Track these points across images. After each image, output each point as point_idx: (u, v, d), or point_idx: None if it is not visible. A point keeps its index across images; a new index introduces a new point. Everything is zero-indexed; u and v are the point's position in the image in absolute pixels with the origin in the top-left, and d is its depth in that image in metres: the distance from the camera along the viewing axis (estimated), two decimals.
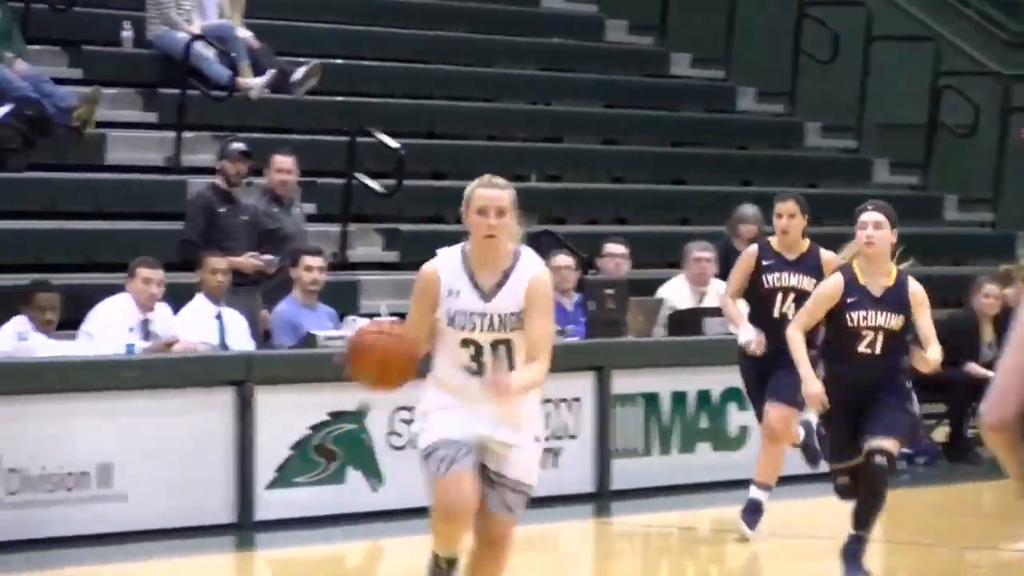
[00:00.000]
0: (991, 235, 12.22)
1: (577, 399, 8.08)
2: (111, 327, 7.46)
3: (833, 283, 6.26)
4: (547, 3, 14.38)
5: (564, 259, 9.06)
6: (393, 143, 9.61)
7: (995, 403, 2.36)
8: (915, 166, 13.79)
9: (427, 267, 4.41)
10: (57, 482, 6.76)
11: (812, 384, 6.17)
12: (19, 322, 7.31)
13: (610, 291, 8.53)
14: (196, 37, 9.64)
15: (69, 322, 7.63)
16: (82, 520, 6.77)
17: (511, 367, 4.30)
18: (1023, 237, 12.37)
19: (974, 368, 9.83)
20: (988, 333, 9.96)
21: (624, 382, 8.22)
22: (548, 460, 7.17)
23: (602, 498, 8.20)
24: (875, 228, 6.21)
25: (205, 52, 9.67)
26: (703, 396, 9.09)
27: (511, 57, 13.31)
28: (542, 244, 9.67)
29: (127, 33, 9.96)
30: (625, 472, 8.05)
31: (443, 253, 4.46)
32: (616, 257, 9.16)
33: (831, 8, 13.89)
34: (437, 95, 11.96)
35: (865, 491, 6.24)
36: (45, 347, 7.27)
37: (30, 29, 9.51)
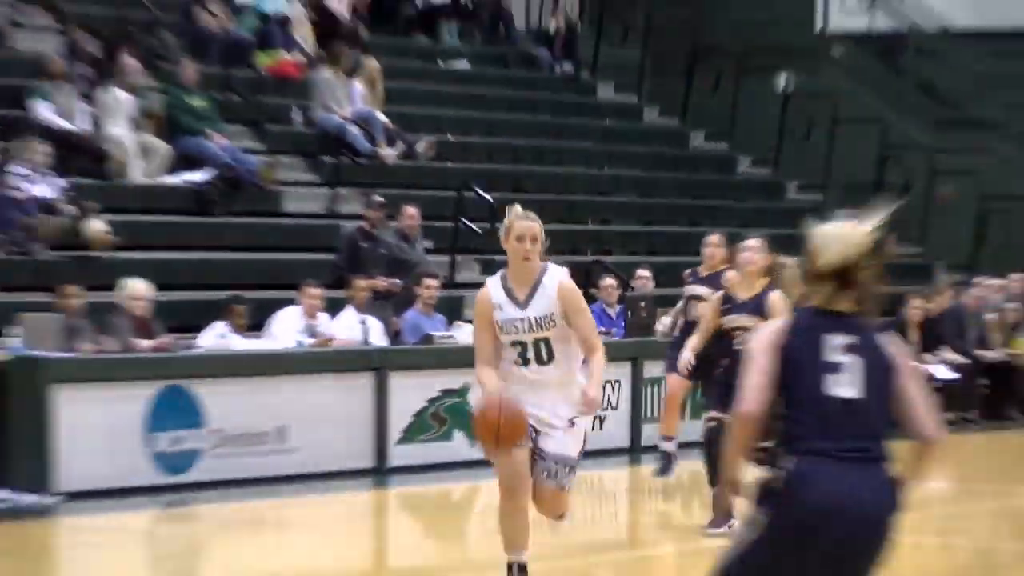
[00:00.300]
0: (919, 264, 11.61)
1: (618, 381, 7.79)
2: (286, 330, 7.34)
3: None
4: (601, 94, 13.28)
5: (610, 281, 8.70)
6: (488, 197, 9.22)
7: (749, 398, 2.13)
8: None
9: (480, 293, 3.99)
10: (248, 439, 6.64)
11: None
12: (220, 326, 7.25)
13: (642, 304, 8.16)
14: (347, 119, 9.32)
15: (256, 325, 7.47)
16: (265, 466, 6.64)
17: (551, 356, 3.81)
18: (941, 266, 11.81)
19: None
20: (914, 335, 9.50)
21: (652, 369, 7.79)
22: (596, 424, 6.68)
23: (635, 452, 7.96)
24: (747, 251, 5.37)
25: (353, 130, 9.32)
26: None
27: (574, 133, 12.28)
28: (593, 270, 9.32)
29: (297, 116, 9.67)
30: (651, 434, 7.62)
31: (489, 281, 4.02)
32: (645, 279, 8.65)
33: (808, 99, 12.65)
34: (521, 161, 11.35)
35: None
36: (238, 343, 7.18)
37: (227, 113, 9.32)
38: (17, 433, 6.58)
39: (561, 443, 3.83)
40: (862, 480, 1.96)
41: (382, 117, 9.75)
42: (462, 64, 12.08)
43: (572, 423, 3.84)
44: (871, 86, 13.41)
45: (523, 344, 3.79)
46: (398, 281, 8.07)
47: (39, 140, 7.79)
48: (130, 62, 8.73)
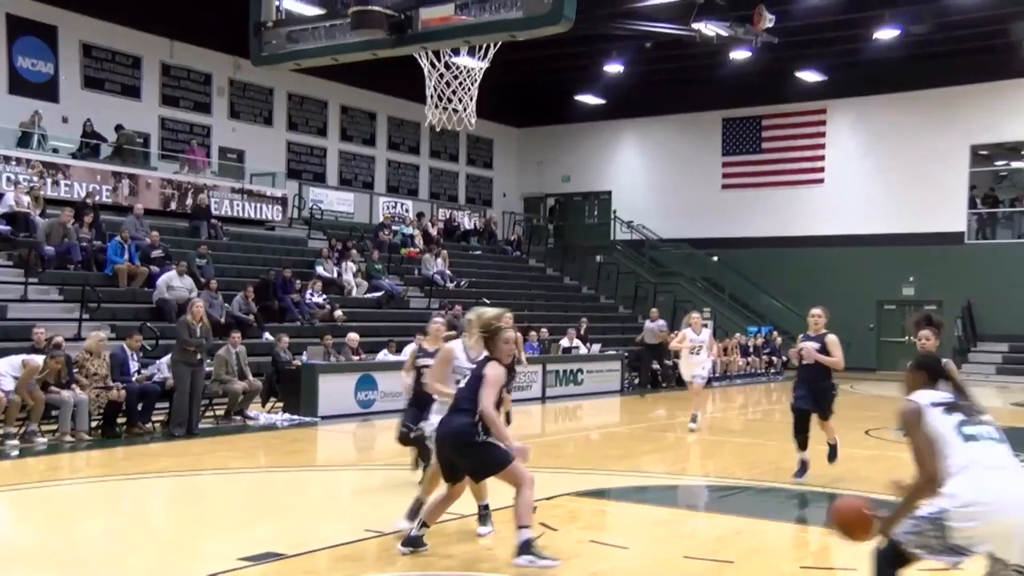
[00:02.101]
0: None
1: None
2: None
3: None
4: (531, 263, 28.70)
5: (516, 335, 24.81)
6: (487, 300, 24.51)
7: (487, 396, 5.19)
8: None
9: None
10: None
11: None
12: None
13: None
14: None
15: None
16: None
17: None
18: None
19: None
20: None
21: None
22: None
23: None
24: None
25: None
26: None
27: (517, 280, 28.33)
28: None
29: None
30: None
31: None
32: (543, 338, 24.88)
33: (607, 264, 29.27)
34: (490, 288, 27.08)
35: None
36: None
37: None
38: (306, 392, 13.86)
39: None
40: None
41: None
42: (478, 252, 27.82)
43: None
44: (633, 262, 29.82)
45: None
46: None
47: None
48: None
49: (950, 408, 4.14)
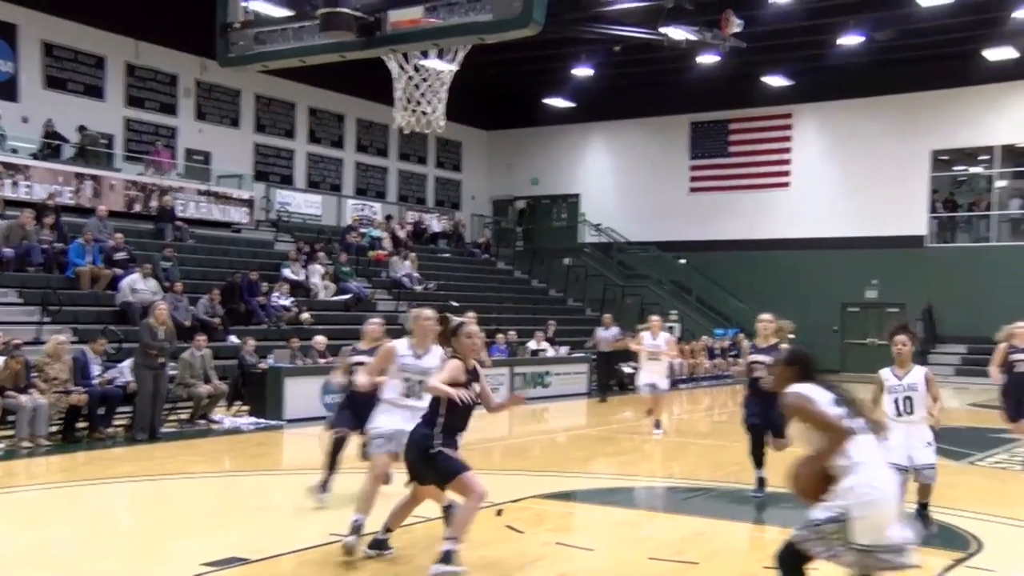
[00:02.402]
0: None
1: None
2: None
3: None
4: (499, 267, 29.31)
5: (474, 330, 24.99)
6: (455, 304, 24.86)
7: (436, 377, 5.39)
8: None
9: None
10: None
11: None
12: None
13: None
14: None
15: None
16: None
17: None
18: None
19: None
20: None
21: None
22: None
23: None
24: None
25: None
26: None
27: (488, 282, 28.29)
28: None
29: None
30: None
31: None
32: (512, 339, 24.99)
33: (576, 268, 29.20)
34: (461, 291, 27.28)
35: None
36: None
37: None
38: (272, 395, 13.78)
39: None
40: None
41: None
42: (447, 255, 27.73)
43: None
44: (601, 264, 29.81)
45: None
46: None
47: None
48: None
49: (838, 402, 4.24)
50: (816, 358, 4.53)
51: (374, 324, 8.04)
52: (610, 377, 19.66)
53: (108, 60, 22.17)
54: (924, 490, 7.17)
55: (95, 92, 22.02)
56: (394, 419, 6.13)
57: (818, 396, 4.27)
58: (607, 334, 19.43)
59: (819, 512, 4.11)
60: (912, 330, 7.20)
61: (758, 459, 8.60)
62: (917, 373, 6.94)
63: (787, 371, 4.49)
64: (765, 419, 8.29)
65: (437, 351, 6.18)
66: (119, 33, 22.08)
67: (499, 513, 7.46)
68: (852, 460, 4.10)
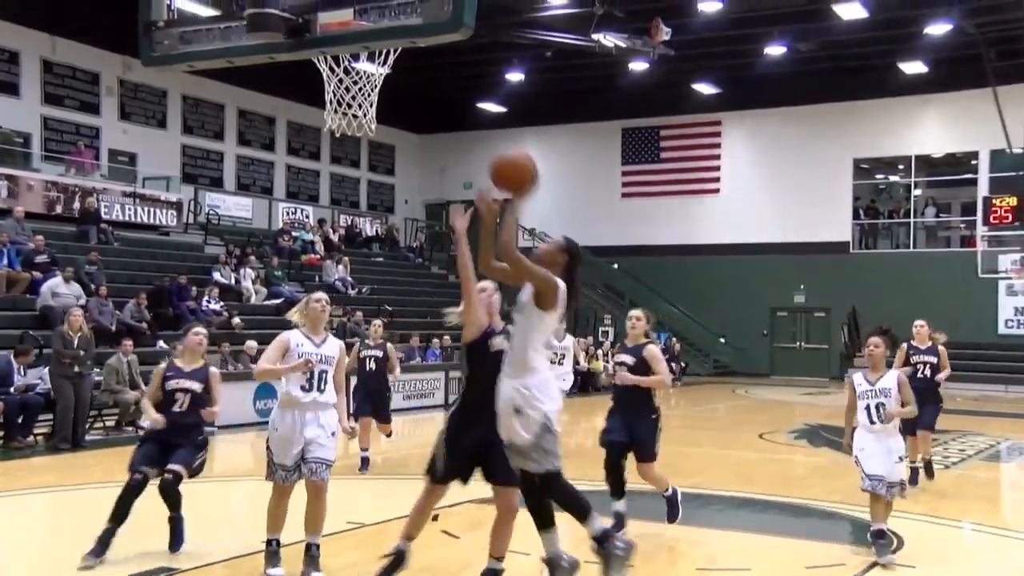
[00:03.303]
0: None
1: None
2: None
3: None
4: (432, 270, 29.29)
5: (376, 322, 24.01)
6: (388, 308, 24.46)
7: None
8: None
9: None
10: None
11: None
12: None
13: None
14: None
15: None
16: None
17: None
18: None
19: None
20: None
21: None
22: None
23: None
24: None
25: None
26: None
27: (418, 285, 27.72)
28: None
29: None
30: None
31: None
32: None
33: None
34: (393, 295, 26.62)
35: None
36: None
37: None
38: None
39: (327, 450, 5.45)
40: None
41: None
42: (380, 259, 28.03)
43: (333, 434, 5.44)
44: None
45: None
46: None
47: None
48: None
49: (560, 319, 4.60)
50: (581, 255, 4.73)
51: (199, 336, 6.76)
52: None
53: (22, 55, 21.50)
54: (885, 509, 6.50)
55: (9, 89, 21.31)
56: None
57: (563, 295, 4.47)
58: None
59: (528, 431, 4.40)
60: (890, 332, 6.68)
61: (615, 485, 6.98)
62: (890, 378, 6.54)
63: (560, 256, 4.61)
64: (629, 435, 6.90)
65: (332, 338, 5.86)
66: (34, 28, 21.39)
67: (435, 518, 7.42)
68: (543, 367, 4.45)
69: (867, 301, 26.27)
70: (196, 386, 6.25)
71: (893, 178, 29.29)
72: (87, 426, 12.28)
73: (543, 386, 4.35)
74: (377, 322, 10.51)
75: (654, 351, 6.94)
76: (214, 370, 6.46)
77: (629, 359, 6.92)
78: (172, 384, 6.30)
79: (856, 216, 28.15)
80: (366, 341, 10.25)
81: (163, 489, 6.15)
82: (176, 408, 6.25)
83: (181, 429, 6.25)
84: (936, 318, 10.99)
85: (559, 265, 4.55)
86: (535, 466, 4.33)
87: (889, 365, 6.71)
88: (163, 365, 6.49)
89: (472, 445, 4.80)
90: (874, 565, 6.34)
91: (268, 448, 5.75)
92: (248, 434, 13.65)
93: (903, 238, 28.14)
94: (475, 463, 4.90)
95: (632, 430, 6.89)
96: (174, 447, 6.17)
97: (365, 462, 10.03)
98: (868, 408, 6.47)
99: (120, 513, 6.07)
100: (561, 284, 4.37)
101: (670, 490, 7.16)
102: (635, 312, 7.12)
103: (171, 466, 6.10)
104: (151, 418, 6.24)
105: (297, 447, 5.62)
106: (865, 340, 6.60)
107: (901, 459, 6.52)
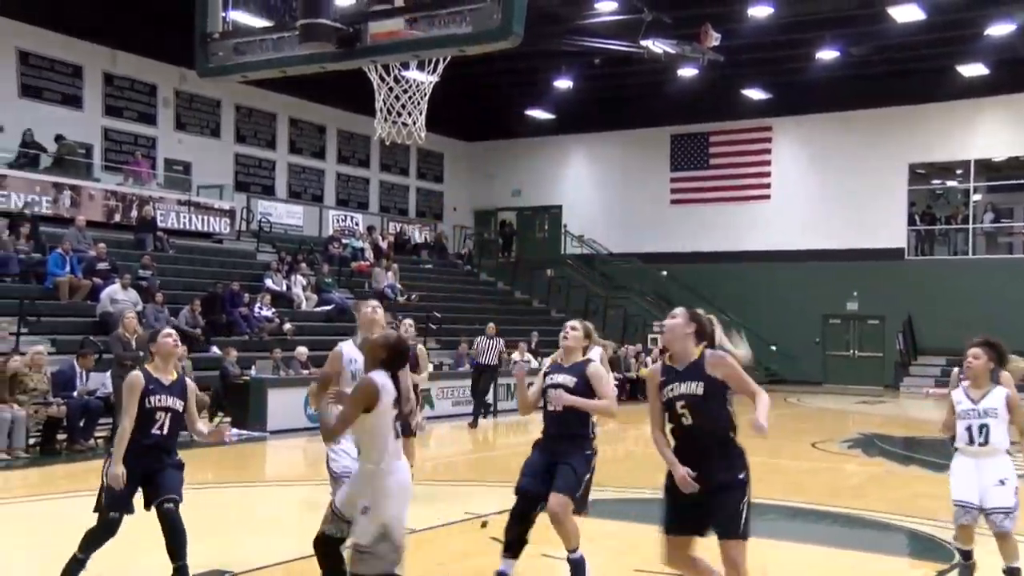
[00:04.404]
0: None
1: None
2: None
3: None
4: (482, 278, 29.02)
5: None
6: (437, 315, 24.54)
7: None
8: None
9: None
10: None
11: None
12: None
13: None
14: None
15: None
16: None
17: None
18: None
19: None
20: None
21: None
22: None
23: None
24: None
25: None
26: None
27: (470, 293, 27.65)
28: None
29: None
30: None
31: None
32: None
33: (558, 279, 29.13)
34: (443, 302, 27.05)
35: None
36: None
37: None
38: (254, 406, 14.17)
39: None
40: None
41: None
42: (429, 266, 27.66)
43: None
44: (583, 276, 30.14)
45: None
46: None
47: None
48: None
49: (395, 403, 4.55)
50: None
51: (408, 322, 7.49)
52: (484, 396, 16.89)
53: (85, 69, 22.05)
54: (1002, 543, 5.70)
55: (73, 101, 21.89)
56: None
57: (386, 388, 4.51)
58: (488, 344, 16.99)
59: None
60: (995, 343, 5.81)
61: (513, 543, 5.67)
62: (997, 396, 5.71)
63: (383, 354, 4.64)
64: (546, 483, 5.53)
65: None
66: (96, 43, 21.96)
67: (484, 525, 7.44)
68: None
69: (923, 308, 25.79)
70: (179, 404, 5.50)
71: (951, 183, 28.64)
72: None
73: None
74: (408, 321, 10.08)
75: (598, 369, 5.73)
76: (191, 383, 5.77)
77: (569, 380, 5.63)
78: (154, 401, 5.44)
79: (912, 222, 27.61)
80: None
81: (169, 518, 5.37)
82: (156, 430, 5.42)
83: (163, 452, 5.51)
84: (996, 326, 10.73)
85: (379, 359, 4.66)
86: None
87: (996, 381, 5.84)
88: (137, 374, 5.54)
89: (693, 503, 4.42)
90: None
91: None
92: (300, 439, 13.81)
93: (961, 244, 27.55)
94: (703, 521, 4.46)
95: (554, 471, 5.54)
96: (157, 472, 5.43)
97: None
98: (969, 429, 5.73)
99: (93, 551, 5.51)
100: (377, 382, 4.46)
101: (578, 553, 5.63)
102: (572, 323, 5.94)
103: (168, 495, 5.40)
104: (116, 471, 5.38)
105: None
106: (968, 349, 5.79)
107: (1004, 482, 5.65)
